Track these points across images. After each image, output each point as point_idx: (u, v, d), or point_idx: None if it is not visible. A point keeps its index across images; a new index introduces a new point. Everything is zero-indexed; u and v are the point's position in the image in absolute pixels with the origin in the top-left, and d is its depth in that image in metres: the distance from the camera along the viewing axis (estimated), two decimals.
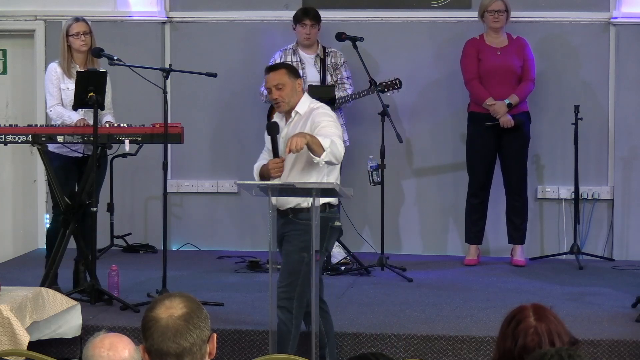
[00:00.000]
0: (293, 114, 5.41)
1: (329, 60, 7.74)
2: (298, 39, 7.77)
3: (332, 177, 5.37)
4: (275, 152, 5.36)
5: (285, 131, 5.40)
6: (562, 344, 2.95)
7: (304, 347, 5.48)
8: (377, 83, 7.45)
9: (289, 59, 7.72)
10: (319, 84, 7.64)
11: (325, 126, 5.28)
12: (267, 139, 5.51)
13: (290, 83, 5.40)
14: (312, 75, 7.72)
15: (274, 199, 5.31)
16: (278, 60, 7.75)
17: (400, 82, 7.52)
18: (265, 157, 5.54)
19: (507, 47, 7.79)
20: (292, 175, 5.34)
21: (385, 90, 7.47)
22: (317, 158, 5.14)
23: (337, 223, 5.42)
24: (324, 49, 7.78)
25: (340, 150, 5.22)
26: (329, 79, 7.69)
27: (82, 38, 6.74)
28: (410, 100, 8.34)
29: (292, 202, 5.34)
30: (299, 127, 5.34)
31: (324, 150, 5.11)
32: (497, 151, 7.80)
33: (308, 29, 7.68)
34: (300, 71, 7.70)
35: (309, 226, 5.17)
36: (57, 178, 6.52)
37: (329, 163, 5.22)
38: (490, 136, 7.73)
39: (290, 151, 5.08)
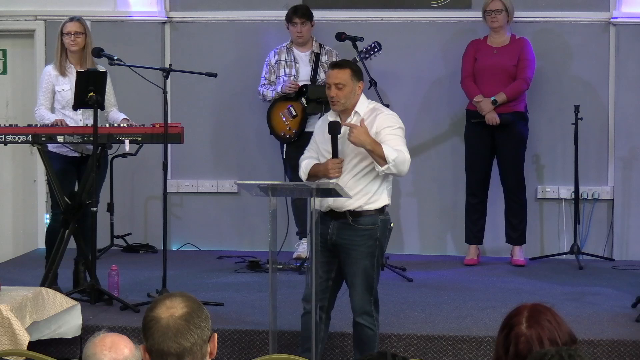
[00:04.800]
0: (352, 114, 5.32)
1: (323, 58, 7.75)
2: (291, 37, 7.79)
3: (387, 186, 5.34)
4: (335, 153, 5.25)
5: (344, 131, 5.27)
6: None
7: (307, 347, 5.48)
8: (358, 52, 7.45)
9: (283, 58, 7.74)
10: (310, 79, 7.66)
11: (391, 135, 5.21)
12: (321, 137, 5.39)
13: (351, 85, 5.27)
14: (305, 73, 7.75)
15: (329, 200, 5.23)
16: (273, 61, 7.77)
17: (378, 44, 7.54)
18: (312, 155, 5.43)
19: (506, 47, 7.79)
20: (352, 179, 5.26)
21: (367, 56, 7.49)
22: (379, 167, 5.15)
23: (392, 224, 5.42)
24: (320, 46, 7.79)
25: (406, 165, 5.18)
26: (322, 76, 7.68)
27: (73, 38, 6.74)
28: (410, 100, 8.34)
29: (352, 204, 5.25)
30: None
31: (385, 162, 5.11)
32: (493, 150, 7.80)
33: (299, 27, 7.70)
34: (293, 69, 7.73)
35: (374, 230, 5.24)
36: (57, 178, 6.52)
37: (389, 174, 5.24)
38: (486, 135, 7.73)
39: (351, 141, 5.10)
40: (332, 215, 5.30)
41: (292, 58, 7.76)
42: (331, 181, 5.19)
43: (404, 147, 5.21)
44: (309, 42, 7.79)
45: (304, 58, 7.79)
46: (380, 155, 5.11)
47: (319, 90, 7.51)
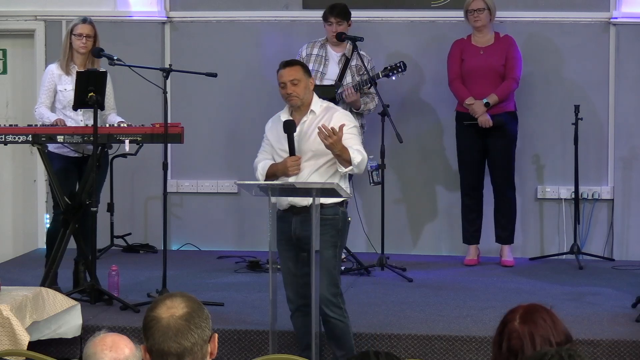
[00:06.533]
0: (308, 112, 5.44)
1: (353, 62, 7.64)
2: (327, 36, 7.71)
3: (344, 182, 5.43)
4: (292, 151, 5.36)
5: (300, 129, 5.40)
6: (549, 347, 2.94)
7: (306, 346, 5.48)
8: (383, 68, 7.44)
9: (315, 52, 7.64)
10: (335, 81, 7.59)
11: (347, 135, 5.30)
12: (274, 136, 5.49)
13: (304, 80, 5.42)
14: (332, 72, 7.65)
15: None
16: (304, 53, 7.69)
17: (404, 64, 7.45)
18: (267, 157, 5.52)
19: (492, 46, 7.76)
20: (311, 175, 5.34)
21: (390, 74, 7.44)
22: (342, 168, 5.31)
23: (350, 218, 5.56)
24: (353, 50, 7.60)
25: (365, 164, 5.39)
26: (349, 79, 7.61)
27: (84, 40, 6.73)
28: (411, 100, 8.34)
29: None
30: (313, 126, 5.35)
31: (350, 164, 5.27)
32: (485, 150, 7.78)
33: (334, 26, 7.59)
34: (322, 66, 7.64)
35: (335, 221, 5.34)
36: (58, 178, 6.52)
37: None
38: (476, 135, 7.72)
39: (326, 137, 5.15)
40: (292, 210, 5.38)
41: (324, 55, 7.67)
42: (290, 180, 5.28)
43: (360, 146, 5.40)
44: (343, 43, 7.70)
45: (335, 58, 7.68)
46: (347, 159, 5.27)
47: (320, 89, 7.47)
